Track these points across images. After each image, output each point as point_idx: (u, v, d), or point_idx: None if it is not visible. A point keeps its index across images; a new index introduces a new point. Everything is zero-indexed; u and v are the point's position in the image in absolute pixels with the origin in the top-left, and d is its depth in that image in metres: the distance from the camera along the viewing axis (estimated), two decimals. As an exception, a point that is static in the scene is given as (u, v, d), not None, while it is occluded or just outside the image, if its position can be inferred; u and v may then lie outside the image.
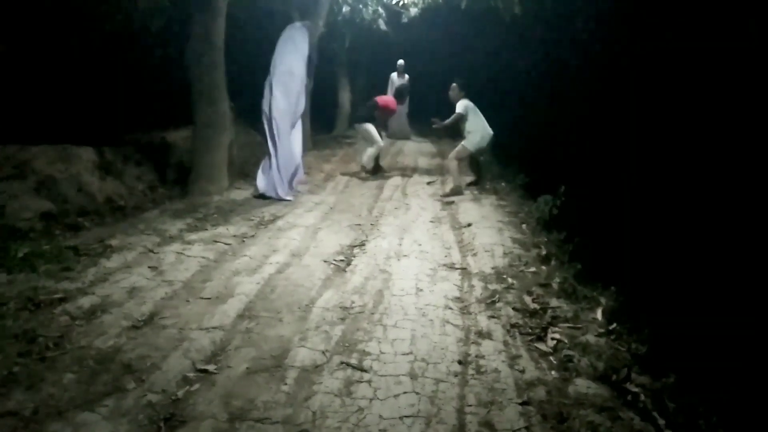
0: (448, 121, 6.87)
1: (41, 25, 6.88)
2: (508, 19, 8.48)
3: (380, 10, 9.84)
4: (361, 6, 9.72)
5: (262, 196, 6.15)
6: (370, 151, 7.62)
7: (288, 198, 6.18)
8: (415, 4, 9.34)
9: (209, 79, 6.09)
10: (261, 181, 6.22)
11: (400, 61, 11.46)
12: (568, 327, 3.20)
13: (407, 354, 2.77)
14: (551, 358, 2.85)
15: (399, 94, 8.32)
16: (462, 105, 6.79)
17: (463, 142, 6.86)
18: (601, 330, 3.22)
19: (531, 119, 11.44)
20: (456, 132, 7.19)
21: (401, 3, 9.47)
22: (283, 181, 6.26)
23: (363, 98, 15.77)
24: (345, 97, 14.05)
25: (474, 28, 12.62)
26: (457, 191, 6.75)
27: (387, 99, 8.03)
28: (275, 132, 6.13)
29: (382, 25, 10.00)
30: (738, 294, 4.09)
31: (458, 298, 3.57)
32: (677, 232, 5.60)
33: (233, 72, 6.62)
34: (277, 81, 6.13)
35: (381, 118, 7.80)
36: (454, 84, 6.99)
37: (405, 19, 9.79)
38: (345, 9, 9.58)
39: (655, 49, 7.78)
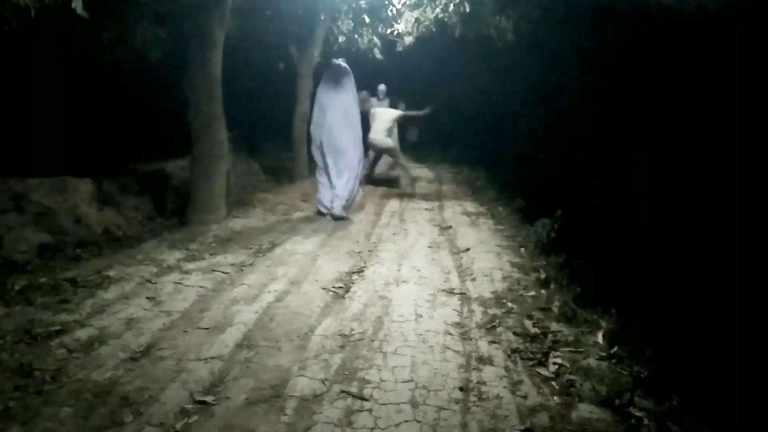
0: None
1: (41, 57, 6.97)
2: (501, 46, 8.63)
3: (375, 39, 10.01)
4: (356, 36, 9.89)
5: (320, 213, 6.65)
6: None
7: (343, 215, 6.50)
8: (410, 33, 9.49)
9: (207, 109, 6.14)
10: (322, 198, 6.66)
11: (381, 86, 10.93)
12: (570, 351, 3.18)
13: (408, 381, 2.75)
14: (553, 383, 2.82)
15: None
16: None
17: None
18: (603, 354, 3.20)
19: (525, 144, 11.54)
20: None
21: (396, 32, 9.63)
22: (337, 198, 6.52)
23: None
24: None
25: (468, 56, 12.82)
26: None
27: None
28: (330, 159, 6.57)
29: (378, 54, 10.14)
30: (737, 309, 4.08)
31: (458, 323, 3.55)
32: (675, 252, 5.60)
33: (231, 102, 6.70)
34: (331, 121, 6.70)
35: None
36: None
37: (400, 48, 9.94)
38: (341, 39, 9.75)
39: (648, 74, 7.90)
